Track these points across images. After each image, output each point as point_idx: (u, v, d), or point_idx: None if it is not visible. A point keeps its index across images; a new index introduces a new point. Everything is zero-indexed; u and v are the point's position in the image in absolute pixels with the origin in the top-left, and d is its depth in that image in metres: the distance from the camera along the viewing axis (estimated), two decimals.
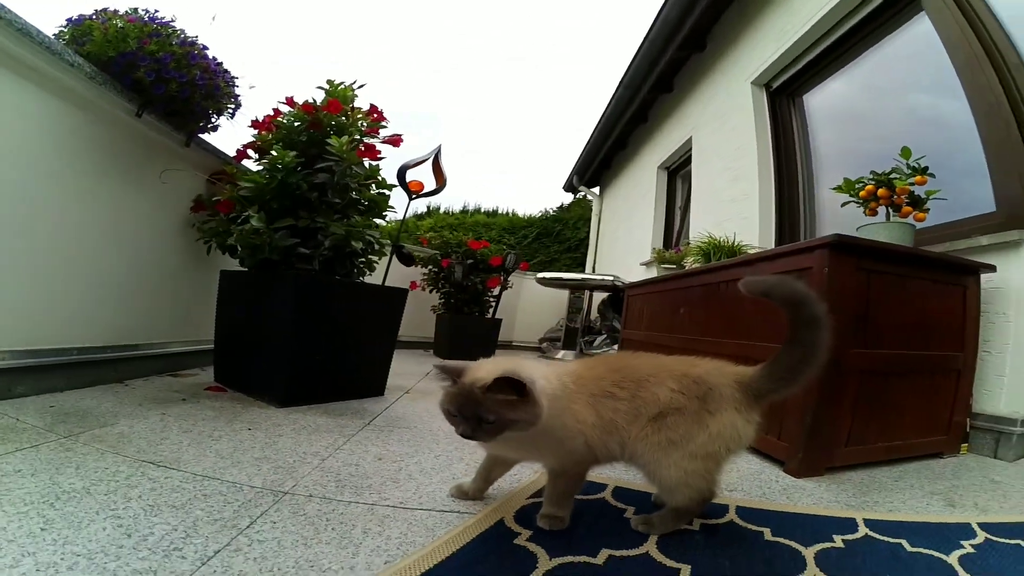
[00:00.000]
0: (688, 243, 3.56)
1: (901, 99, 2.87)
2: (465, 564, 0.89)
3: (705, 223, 3.88)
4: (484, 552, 0.95)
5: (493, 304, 4.70)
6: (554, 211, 8.55)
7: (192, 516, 0.99)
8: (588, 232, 7.49)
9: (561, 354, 5.11)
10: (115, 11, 2.13)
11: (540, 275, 5.23)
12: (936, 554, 1.05)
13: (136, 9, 2.15)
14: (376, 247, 2.47)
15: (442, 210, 8.87)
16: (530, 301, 6.14)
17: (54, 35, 1.97)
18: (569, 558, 0.94)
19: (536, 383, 0.94)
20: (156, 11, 2.21)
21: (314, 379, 2.10)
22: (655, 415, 1.05)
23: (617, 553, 0.98)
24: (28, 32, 1.65)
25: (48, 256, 1.83)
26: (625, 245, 6.16)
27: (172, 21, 2.21)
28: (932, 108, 2.70)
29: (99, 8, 2.12)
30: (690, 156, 4.66)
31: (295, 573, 0.82)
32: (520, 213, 8.75)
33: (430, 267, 4.59)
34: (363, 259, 2.47)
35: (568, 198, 8.73)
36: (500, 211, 8.89)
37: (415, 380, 3.02)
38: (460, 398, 0.95)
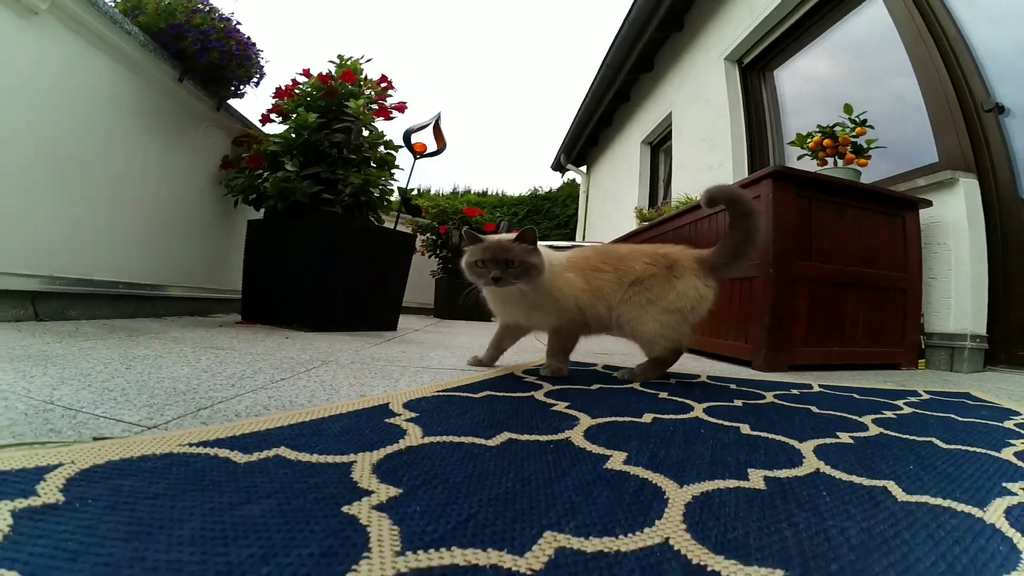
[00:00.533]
0: (668, 204, 3.77)
1: (866, 72, 3.05)
2: (488, 386, 1.10)
3: (686, 190, 4.08)
4: (501, 381, 1.17)
5: None
6: (543, 192, 8.72)
7: (256, 367, 1.18)
8: (576, 209, 7.68)
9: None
10: None
11: None
12: (884, 400, 1.27)
13: None
14: (388, 201, 2.67)
15: (432, 191, 9.03)
16: None
17: None
18: (567, 386, 1.16)
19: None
20: None
21: (337, 311, 2.29)
22: (633, 281, 1.30)
23: (607, 386, 1.20)
24: (95, 2, 1.84)
25: (101, 199, 2.01)
26: (612, 219, 6.35)
27: (209, 0, 2.40)
28: (894, 81, 2.88)
29: None
30: (671, 131, 4.85)
31: (348, 386, 1.03)
32: (510, 193, 8.95)
33: (428, 234, 4.77)
34: (374, 214, 2.67)
35: (556, 178, 8.92)
36: (490, 192, 9.09)
37: (422, 327, 3.22)
38: (493, 248, 1.21)
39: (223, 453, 0.54)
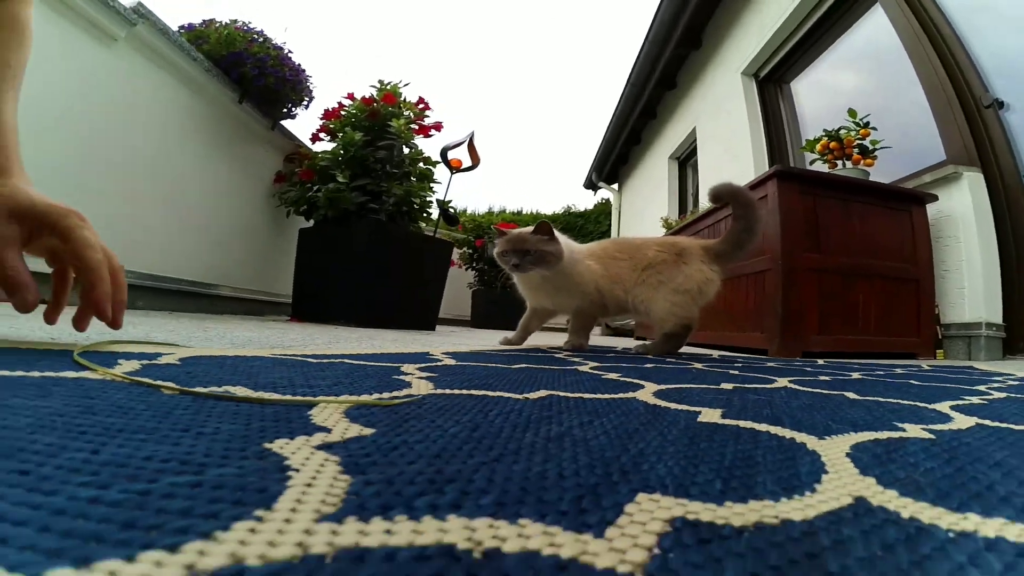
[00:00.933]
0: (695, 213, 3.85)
1: (886, 82, 3.08)
2: (516, 350, 1.21)
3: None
4: (528, 350, 1.28)
5: None
6: (577, 210, 8.81)
7: (313, 336, 1.31)
8: (609, 226, 7.76)
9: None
10: (219, 21, 2.54)
11: None
12: (884, 370, 1.33)
13: (236, 20, 2.56)
14: (427, 212, 2.83)
15: (469, 211, 9.21)
16: None
17: None
18: (584, 355, 1.26)
19: (558, 235, 1.35)
20: (249, 22, 2.62)
21: (380, 310, 2.43)
22: (646, 267, 1.41)
23: (621, 355, 1.30)
24: (166, 32, 2.05)
25: (168, 205, 2.21)
26: (642, 234, 6.40)
27: (263, 31, 2.62)
28: (914, 89, 2.91)
29: (207, 18, 2.53)
30: (696, 146, 4.93)
31: (394, 348, 1.14)
32: (544, 212, 9.08)
33: (465, 248, 4.93)
34: (415, 224, 2.83)
35: (589, 196, 8.98)
36: (524, 211, 9.25)
37: (459, 331, 3.35)
38: (514, 240, 1.36)
39: (299, 359, 0.67)
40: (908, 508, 0.23)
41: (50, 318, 0.60)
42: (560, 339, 1.89)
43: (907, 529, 0.21)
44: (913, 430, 0.43)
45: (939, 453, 0.35)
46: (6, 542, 0.15)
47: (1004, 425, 0.49)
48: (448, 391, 0.47)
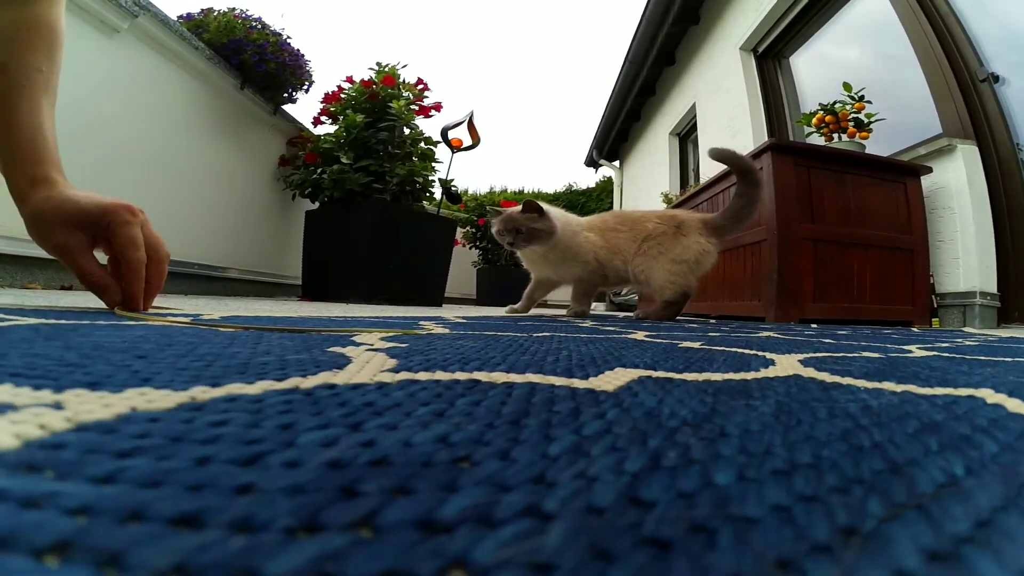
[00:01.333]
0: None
1: (892, 56, 3.11)
2: (522, 316, 1.28)
3: (712, 176, 4.19)
4: (533, 316, 1.34)
5: None
6: (578, 188, 8.85)
7: (328, 311, 1.34)
8: (611, 204, 7.80)
9: (592, 305, 5.44)
10: (216, 10, 2.58)
11: None
12: (872, 331, 1.40)
13: (234, 8, 2.60)
14: (429, 191, 2.89)
15: (470, 192, 9.22)
16: None
17: None
18: (587, 318, 1.33)
19: (551, 210, 1.39)
20: (247, 9, 2.66)
21: (388, 287, 2.50)
22: (645, 238, 1.47)
23: (620, 320, 1.37)
24: (167, 22, 2.10)
25: (180, 191, 2.27)
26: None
27: (260, 17, 2.66)
28: (904, 60, 2.94)
29: (204, 7, 2.57)
30: (696, 121, 4.95)
31: (406, 313, 1.21)
32: (545, 190, 9.11)
33: (468, 226, 4.98)
34: (418, 203, 2.89)
35: (591, 174, 9.02)
36: (526, 190, 9.27)
37: (466, 307, 3.43)
38: (506, 220, 1.42)
39: (326, 318, 0.74)
40: (832, 379, 0.30)
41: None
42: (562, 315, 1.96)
43: (824, 385, 0.27)
44: (869, 355, 0.49)
45: (881, 362, 0.41)
46: (150, 380, 0.22)
47: (958, 356, 0.55)
48: (463, 332, 0.54)
